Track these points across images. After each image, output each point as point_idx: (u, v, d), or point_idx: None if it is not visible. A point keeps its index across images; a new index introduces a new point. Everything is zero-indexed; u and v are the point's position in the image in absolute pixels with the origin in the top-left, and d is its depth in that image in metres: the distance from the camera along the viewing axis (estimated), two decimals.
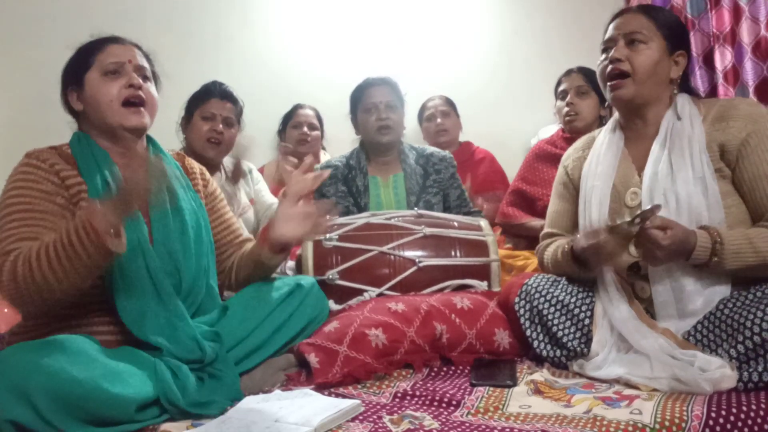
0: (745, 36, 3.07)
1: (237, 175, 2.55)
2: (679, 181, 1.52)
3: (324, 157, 3.15)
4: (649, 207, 1.42)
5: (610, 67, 1.62)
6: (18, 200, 1.46)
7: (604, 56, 1.67)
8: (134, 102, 1.56)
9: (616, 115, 1.75)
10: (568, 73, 2.62)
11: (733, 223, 1.50)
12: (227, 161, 2.60)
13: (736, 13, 3.12)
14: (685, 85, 1.69)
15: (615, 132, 1.72)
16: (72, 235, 1.31)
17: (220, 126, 2.42)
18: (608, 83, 1.64)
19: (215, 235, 1.74)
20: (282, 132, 3.20)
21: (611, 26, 1.67)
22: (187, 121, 2.47)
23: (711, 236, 1.43)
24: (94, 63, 1.57)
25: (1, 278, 1.38)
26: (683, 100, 1.63)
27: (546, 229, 1.85)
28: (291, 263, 2.33)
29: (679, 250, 1.43)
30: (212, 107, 2.42)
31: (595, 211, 1.63)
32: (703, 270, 1.46)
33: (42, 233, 1.42)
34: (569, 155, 1.86)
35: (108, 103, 1.55)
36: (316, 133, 3.14)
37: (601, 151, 1.71)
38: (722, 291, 1.47)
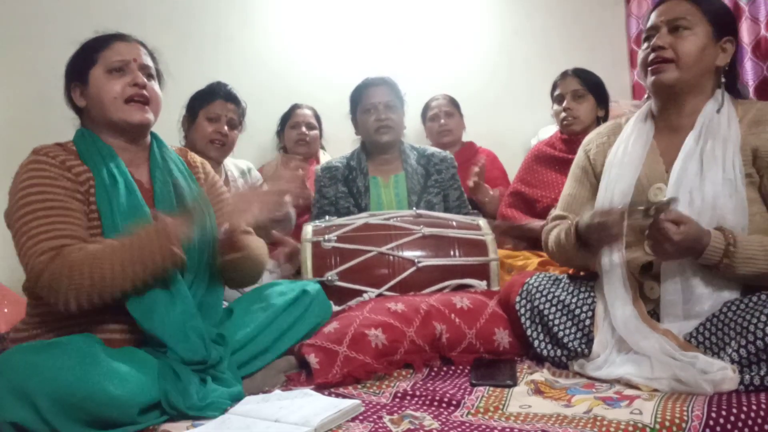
0: (745, 36, 3.07)
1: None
2: (708, 181, 1.48)
3: (323, 156, 3.15)
4: (665, 199, 1.39)
5: (652, 55, 1.56)
6: (42, 197, 1.44)
7: (645, 45, 1.61)
8: (138, 100, 1.57)
9: (647, 104, 1.70)
10: (563, 76, 2.61)
11: (754, 231, 1.47)
12: (229, 164, 2.60)
13: (736, 13, 3.11)
14: (730, 79, 1.62)
15: (646, 122, 1.66)
16: (144, 240, 1.40)
17: (225, 128, 2.42)
18: (649, 67, 1.58)
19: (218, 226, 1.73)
20: (281, 132, 3.20)
21: (653, 14, 1.60)
22: (190, 121, 2.47)
23: (725, 238, 1.40)
24: (99, 60, 1.57)
25: (44, 275, 1.37)
26: (726, 97, 1.58)
27: (557, 212, 1.80)
28: (271, 263, 2.33)
29: (690, 248, 1.40)
30: (217, 108, 2.43)
31: (617, 203, 1.57)
32: (714, 272, 1.44)
33: (78, 231, 1.44)
34: (591, 140, 1.80)
35: (112, 100, 1.55)
36: (315, 132, 3.14)
37: (629, 140, 1.65)
38: (731, 295, 1.45)
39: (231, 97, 2.46)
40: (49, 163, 1.49)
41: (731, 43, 1.59)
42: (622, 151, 1.65)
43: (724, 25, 1.58)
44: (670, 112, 1.62)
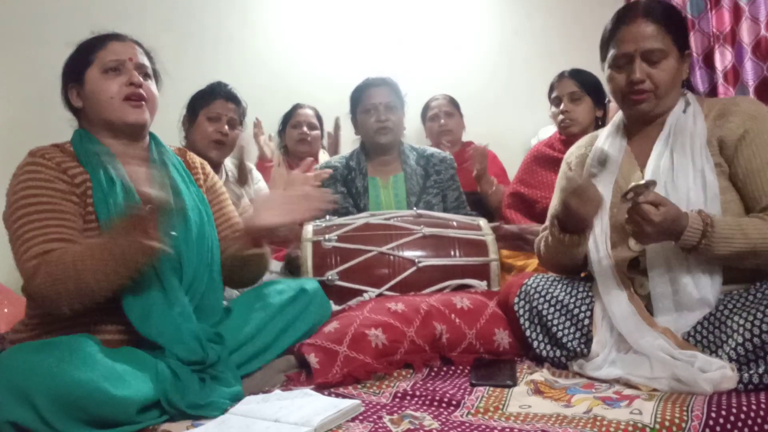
0: (745, 36, 3.07)
1: (243, 176, 2.54)
2: (680, 175, 1.53)
3: (323, 156, 3.15)
4: (643, 182, 1.42)
5: (631, 87, 1.60)
6: (36, 200, 1.45)
7: (614, 70, 1.63)
8: (134, 99, 1.57)
9: (618, 116, 1.75)
10: (560, 78, 2.60)
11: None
12: (229, 164, 2.60)
13: (736, 13, 3.12)
14: (688, 82, 1.69)
15: (618, 132, 1.72)
16: (122, 239, 1.36)
17: (225, 128, 2.42)
18: (627, 96, 1.62)
19: (216, 228, 1.73)
20: (282, 132, 3.20)
21: (621, 37, 1.60)
22: (190, 121, 2.47)
23: (702, 219, 1.43)
24: (95, 60, 1.57)
25: (35, 280, 1.38)
26: (690, 98, 1.64)
27: (547, 223, 1.82)
28: (276, 265, 2.33)
29: (670, 229, 1.43)
30: (218, 108, 2.43)
31: None
32: (693, 255, 1.46)
33: (69, 234, 1.43)
34: (572, 153, 1.86)
35: (108, 100, 1.55)
36: (316, 132, 3.14)
37: (604, 148, 1.70)
38: (716, 282, 1.48)
39: (231, 97, 2.45)
40: (44, 165, 1.49)
41: (689, 54, 1.65)
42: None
43: (684, 38, 1.64)
44: (643, 125, 1.67)
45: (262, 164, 3.00)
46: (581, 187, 1.53)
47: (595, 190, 1.54)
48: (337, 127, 3.27)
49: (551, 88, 2.64)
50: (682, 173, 1.54)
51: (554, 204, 1.84)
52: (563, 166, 1.86)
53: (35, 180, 1.47)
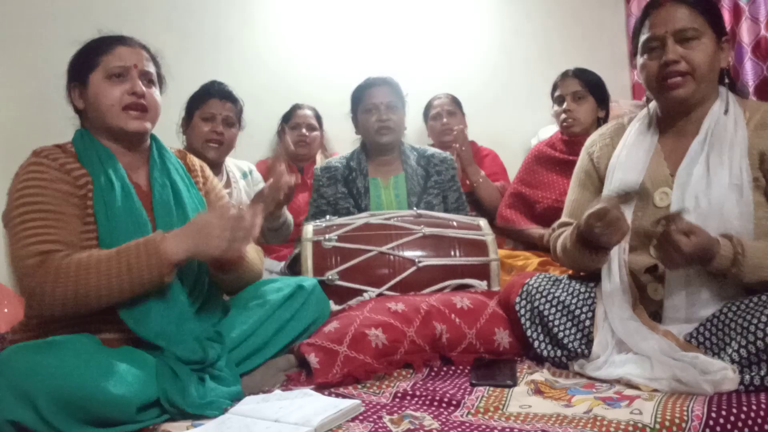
0: (745, 36, 3.07)
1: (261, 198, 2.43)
2: (714, 186, 1.46)
3: (321, 157, 3.13)
4: (676, 210, 1.38)
5: (666, 70, 1.52)
6: (38, 198, 1.45)
7: (646, 56, 1.56)
8: (135, 108, 1.57)
9: (652, 107, 1.67)
10: (564, 76, 2.60)
11: (760, 235, 1.46)
12: (230, 164, 2.60)
13: (736, 13, 3.12)
14: (729, 78, 1.59)
15: (650, 125, 1.64)
16: (132, 257, 1.38)
17: (220, 127, 2.42)
18: (663, 82, 1.53)
19: None
20: (281, 133, 3.18)
21: (652, 22, 1.54)
22: (187, 122, 2.47)
23: (733, 246, 1.39)
24: (100, 64, 1.57)
25: (32, 279, 1.37)
26: (731, 98, 1.56)
27: (563, 218, 1.78)
28: (276, 265, 2.32)
29: (700, 257, 1.39)
30: (212, 108, 2.42)
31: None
32: (720, 279, 1.43)
33: (68, 237, 1.43)
34: (594, 141, 1.77)
35: (109, 107, 1.55)
36: (316, 133, 3.12)
37: (633, 144, 1.63)
38: (737, 298, 1.44)
39: (226, 95, 2.45)
40: (48, 165, 1.49)
41: (728, 41, 1.57)
42: (626, 154, 1.64)
43: (721, 24, 1.56)
44: (678, 118, 1.60)
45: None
46: (608, 213, 1.42)
47: (623, 219, 1.44)
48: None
49: (554, 87, 2.63)
50: (717, 183, 1.46)
51: (571, 199, 1.77)
52: (584, 156, 1.77)
53: (38, 180, 1.47)
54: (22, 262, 1.39)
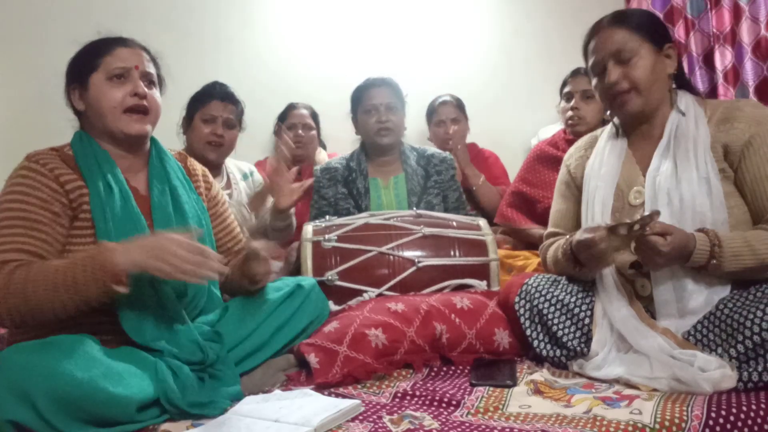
0: (745, 36, 3.07)
1: (258, 203, 2.46)
2: (684, 182, 1.53)
3: (320, 156, 3.13)
4: (648, 213, 1.40)
5: (611, 91, 1.61)
6: (14, 206, 1.44)
7: (596, 80, 1.66)
8: (137, 110, 1.56)
9: (613, 121, 1.75)
10: (575, 74, 2.58)
11: (735, 223, 1.50)
12: (230, 165, 2.59)
13: (736, 13, 3.12)
14: (682, 81, 1.68)
15: (618, 136, 1.72)
16: (78, 270, 1.32)
17: (221, 129, 2.41)
18: (613, 101, 1.63)
19: (216, 241, 1.73)
20: (278, 132, 3.15)
21: (592, 48, 1.65)
22: (187, 124, 2.46)
23: (710, 239, 1.43)
24: (101, 65, 1.56)
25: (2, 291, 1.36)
26: (687, 100, 1.63)
27: (549, 229, 1.85)
28: (276, 265, 2.32)
29: (679, 255, 1.43)
30: (213, 109, 2.42)
31: (598, 210, 1.64)
32: (702, 272, 1.47)
33: (34, 244, 1.41)
34: (571, 154, 1.85)
35: (111, 109, 1.55)
36: (312, 133, 3.09)
37: (604, 152, 1.71)
38: (722, 290, 1.48)
39: (227, 97, 2.44)
40: (36, 171, 1.48)
41: (672, 48, 1.63)
42: (599, 162, 1.71)
43: (659, 34, 1.63)
44: (641, 126, 1.67)
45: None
46: (594, 246, 1.48)
47: (609, 254, 1.49)
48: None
49: (564, 83, 2.62)
50: (686, 179, 1.53)
51: (554, 210, 1.85)
52: (563, 169, 1.85)
53: (20, 186, 1.46)
54: None
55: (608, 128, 1.77)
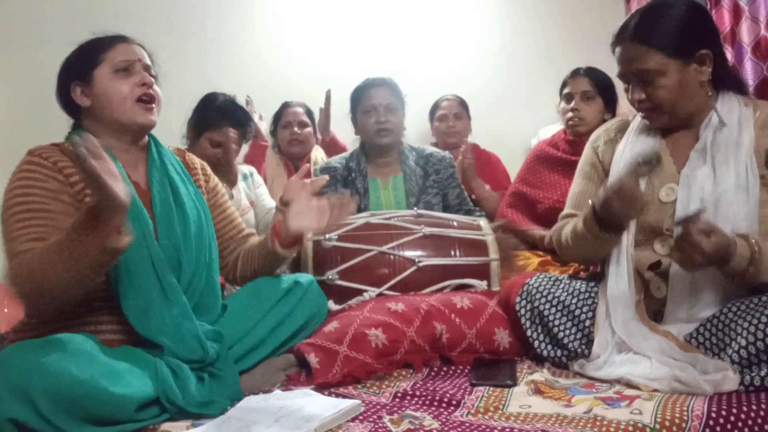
0: (745, 36, 3.07)
1: (232, 177, 2.49)
2: (720, 187, 1.47)
3: (317, 153, 3.13)
4: (695, 210, 1.37)
5: (635, 106, 1.58)
6: (24, 199, 1.45)
7: (625, 86, 1.62)
8: (146, 100, 1.57)
9: None
10: (575, 74, 2.57)
11: (764, 233, 1.45)
12: None
13: (736, 13, 3.12)
14: (728, 79, 1.58)
15: (651, 130, 1.64)
16: (72, 232, 1.28)
17: (228, 151, 2.41)
18: (639, 111, 1.60)
19: (218, 231, 1.74)
20: (273, 132, 3.16)
21: (616, 56, 1.58)
22: (193, 135, 2.45)
23: (750, 246, 1.39)
24: (104, 60, 1.57)
25: (9, 281, 1.37)
26: (731, 103, 1.55)
27: (567, 210, 1.77)
28: None
29: (719, 257, 1.38)
30: (223, 136, 2.40)
31: None
32: (725, 281, 1.43)
33: (51, 234, 1.41)
34: (599, 136, 1.76)
35: (121, 101, 1.55)
36: (308, 130, 3.07)
37: (636, 140, 1.64)
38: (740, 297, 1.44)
39: (240, 124, 2.42)
40: (40, 165, 1.48)
41: (707, 55, 1.52)
42: (630, 150, 1.63)
43: (687, 46, 1.52)
44: (677, 129, 1.61)
45: (256, 143, 2.97)
46: (626, 187, 1.42)
47: (640, 192, 1.46)
48: (327, 99, 3.08)
49: (564, 84, 2.61)
50: (723, 185, 1.46)
51: (576, 191, 1.77)
52: (588, 150, 1.77)
53: (28, 179, 1.47)
54: (7, 263, 1.38)
55: (638, 118, 1.69)
